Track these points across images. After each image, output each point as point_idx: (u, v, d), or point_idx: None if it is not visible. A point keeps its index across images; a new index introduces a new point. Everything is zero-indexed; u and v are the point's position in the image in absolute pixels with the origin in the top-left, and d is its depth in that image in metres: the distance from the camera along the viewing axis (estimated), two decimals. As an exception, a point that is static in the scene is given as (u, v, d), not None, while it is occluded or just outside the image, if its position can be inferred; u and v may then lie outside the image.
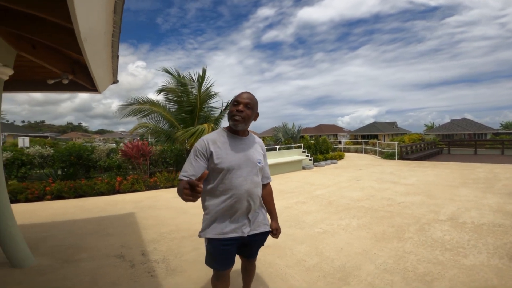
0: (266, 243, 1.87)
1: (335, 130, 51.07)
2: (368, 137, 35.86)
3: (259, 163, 1.67)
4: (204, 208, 1.64)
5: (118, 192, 6.92)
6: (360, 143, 21.99)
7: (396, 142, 14.18)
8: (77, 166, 7.65)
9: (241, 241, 1.65)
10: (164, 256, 3.07)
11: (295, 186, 7.30)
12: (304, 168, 10.88)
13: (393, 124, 52.30)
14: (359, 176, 8.65)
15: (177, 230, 3.93)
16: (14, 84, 3.77)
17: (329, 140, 16.72)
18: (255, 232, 1.68)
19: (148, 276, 2.62)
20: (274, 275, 2.60)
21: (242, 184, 1.57)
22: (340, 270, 2.67)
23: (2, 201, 2.70)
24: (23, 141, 18.63)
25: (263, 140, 8.86)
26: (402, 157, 13.13)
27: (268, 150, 10.91)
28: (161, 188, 7.49)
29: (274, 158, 10.22)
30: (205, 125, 7.41)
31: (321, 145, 14.05)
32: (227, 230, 1.58)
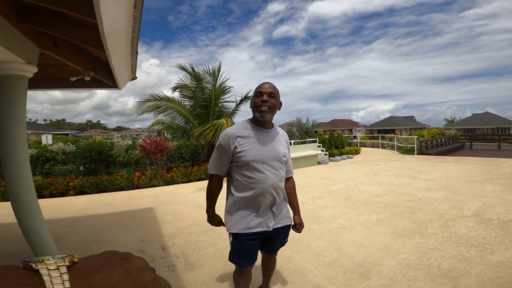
0: None
1: (350, 125, 50.18)
2: (384, 132, 35.03)
3: (284, 156, 1.65)
4: (228, 202, 1.64)
5: (137, 187, 7.09)
6: (376, 138, 21.48)
7: (415, 136, 13.75)
8: (97, 162, 7.88)
9: (265, 235, 1.64)
10: (183, 251, 3.11)
11: (310, 180, 7.24)
12: (319, 163, 10.76)
13: (411, 118, 50.80)
14: (377, 170, 8.46)
15: (194, 225, 3.99)
16: (38, 82, 3.89)
17: (344, 135, 16.43)
18: (279, 225, 1.67)
19: (169, 271, 2.67)
20: (292, 270, 2.59)
21: (268, 177, 1.55)
22: (361, 266, 2.63)
23: (29, 195, 2.76)
24: (47, 139, 19.40)
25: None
26: (421, 152, 12.73)
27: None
28: (178, 183, 7.60)
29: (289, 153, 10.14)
30: (223, 120, 7.43)
31: (336, 140, 13.85)
32: (253, 224, 1.58)
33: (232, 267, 1.78)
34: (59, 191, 6.36)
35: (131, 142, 9.25)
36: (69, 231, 3.89)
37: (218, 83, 8.51)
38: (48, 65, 3.48)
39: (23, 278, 0.29)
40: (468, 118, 39.08)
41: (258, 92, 1.57)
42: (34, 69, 2.73)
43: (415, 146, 12.85)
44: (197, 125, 8.54)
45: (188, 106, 9.14)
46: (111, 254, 0.34)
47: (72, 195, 6.42)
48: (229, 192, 1.66)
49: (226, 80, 8.76)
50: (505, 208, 4.20)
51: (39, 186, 6.22)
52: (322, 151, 11.64)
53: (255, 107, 1.58)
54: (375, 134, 23.49)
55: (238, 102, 9.46)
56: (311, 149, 11.15)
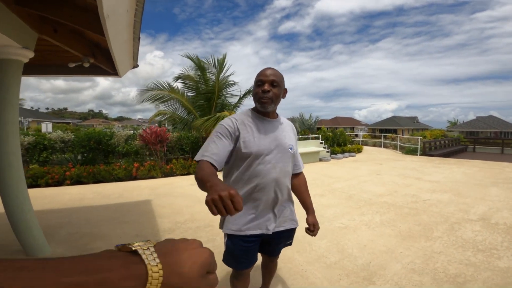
0: None
1: (352, 123, 49.95)
2: (386, 132, 34.80)
3: (291, 148, 1.49)
4: None
5: (135, 178, 7.00)
6: (379, 137, 21.37)
7: (419, 137, 13.61)
8: (96, 151, 7.77)
9: (264, 237, 1.49)
10: None
11: (312, 177, 7.13)
12: (321, 160, 10.66)
13: (414, 119, 50.55)
14: (380, 170, 8.35)
15: (192, 220, 3.89)
16: (37, 68, 3.79)
17: (346, 133, 16.28)
18: (281, 228, 1.51)
19: None
20: (293, 272, 2.50)
21: (270, 171, 1.39)
22: (364, 269, 2.55)
23: (19, 184, 2.64)
24: (46, 127, 19.35)
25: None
26: (424, 153, 12.61)
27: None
28: (177, 175, 7.52)
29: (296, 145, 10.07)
30: (226, 113, 7.32)
31: (339, 137, 13.72)
32: (250, 225, 1.41)
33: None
34: (55, 180, 6.22)
35: (132, 132, 9.14)
36: (61, 223, 3.77)
37: (222, 75, 8.38)
38: (47, 51, 3.39)
39: (125, 257, 0.36)
40: (471, 121, 38.81)
41: (259, 81, 1.40)
42: (31, 54, 2.64)
43: (419, 146, 12.73)
44: (199, 117, 8.44)
45: (191, 97, 9.02)
46: (173, 240, 0.42)
47: (68, 184, 6.29)
48: None
49: (230, 75, 8.65)
50: (512, 213, 4.10)
51: (34, 174, 6.10)
52: (324, 147, 11.53)
53: (256, 98, 1.42)
54: (377, 134, 23.32)
55: (241, 95, 9.34)
56: (313, 145, 11.04)
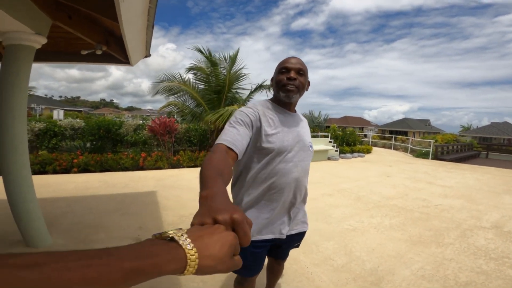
0: None
1: (362, 123, 49.26)
2: (396, 133, 34.30)
3: (311, 146, 1.38)
4: (236, 202, 1.32)
5: (142, 168, 7.00)
6: (388, 138, 21.01)
7: (431, 140, 13.31)
8: (105, 140, 7.81)
9: (275, 241, 1.37)
10: None
11: (320, 176, 7.02)
12: (329, 159, 10.52)
13: (426, 122, 49.56)
14: (390, 172, 8.19)
15: (197, 214, 3.85)
16: (49, 54, 3.79)
17: (356, 133, 16.06)
18: (293, 232, 1.40)
19: None
20: (299, 273, 2.44)
21: (292, 170, 1.26)
22: (372, 273, 2.47)
23: (23, 171, 2.54)
24: (58, 114, 19.65)
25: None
26: (436, 157, 12.33)
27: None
28: (184, 167, 7.49)
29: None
30: (235, 106, 7.26)
31: (349, 137, 13.53)
32: (263, 229, 1.29)
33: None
34: (62, 167, 6.22)
35: (141, 122, 9.17)
36: (65, 212, 3.71)
37: (234, 69, 8.31)
38: (60, 38, 3.39)
39: (165, 243, 0.41)
40: (485, 126, 37.90)
41: (284, 68, 1.25)
42: (43, 40, 2.62)
43: (431, 150, 12.45)
44: (208, 110, 8.40)
45: (201, 90, 9.00)
46: (199, 227, 0.47)
47: (75, 172, 6.29)
48: (238, 190, 1.34)
49: (242, 68, 8.57)
50: (527, 223, 3.96)
51: (43, 160, 6.11)
52: (333, 146, 11.37)
53: (279, 85, 1.26)
54: (387, 135, 22.95)
55: (252, 90, 9.25)
56: (322, 144, 10.89)
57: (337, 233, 3.34)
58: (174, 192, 4.98)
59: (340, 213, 4.11)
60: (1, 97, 2.37)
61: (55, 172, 6.16)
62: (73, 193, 4.68)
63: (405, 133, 37.99)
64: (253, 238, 1.26)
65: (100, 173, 6.44)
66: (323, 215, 3.95)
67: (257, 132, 1.21)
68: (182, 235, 0.42)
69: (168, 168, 7.30)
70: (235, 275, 1.57)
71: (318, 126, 14.69)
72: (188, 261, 0.40)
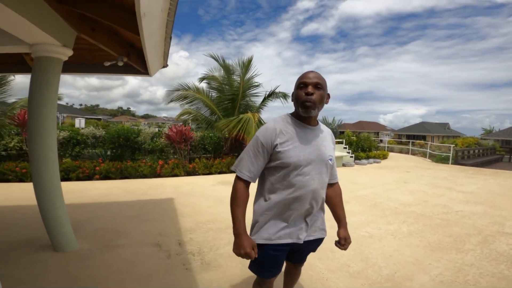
0: None
1: (377, 128, 48.32)
2: (414, 138, 33.36)
3: (330, 159, 1.42)
4: (256, 209, 1.42)
5: (159, 176, 7.18)
6: (405, 143, 20.52)
7: (451, 145, 12.91)
8: (124, 148, 8.06)
9: (293, 246, 1.45)
10: (200, 248, 3.00)
11: (335, 183, 6.94)
12: (344, 165, 10.40)
13: (445, 125, 47.95)
14: (407, 178, 8.00)
15: (213, 221, 3.89)
16: (72, 66, 3.97)
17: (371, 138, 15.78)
18: (311, 238, 1.46)
19: (183, 269, 2.54)
20: (314, 279, 2.43)
21: (309, 183, 1.33)
22: (389, 279, 2.43)
23: (53, 178, 2.64)
24: (80, 122, 20.43)
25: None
26: (456, 162, 11.93)
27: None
28: (199, 174, 7.63)
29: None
30: (249, 114, 7.33)
31: (364, 142, 13.32)
32: (281, 234, 1.37)
33: (250, 271, 1.61)
34: (85, 174, 6.50)
35: (157, 130, 9.40)
36: (90, 218, 3.86)
37: (248, 76, 8.44)
38: (83, 50, 3.53)
39: None
40: (508, 129, 36.19)
41: (302, 83, 1.31)
42: (70, 52, 2.74)
43: (451, 154, 12.06)
44: (222, 118, 8.52)
45: (215, 98, 9.16)
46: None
47: (97, 179, 6.55)
48: (259, 199, 1.43)
49: (255, 75, 8.68)
50: (555, 230, 3.77)
51: (67, 168, 6.39)
52: (348, 152, 11.24)
53: (298, 101, 1.32)
54: (404, 140, 22.39)
55: (265, 96, 9.33)
56: (337, 150, 10.79)
57: (353, 240, 3.26)
58: (191, 199, 5.07)
59: (356, 220, 4.06)
60: (33, 108, 2.50)
61: (78, 179, 6.43)
62: (96, 199, 4.85)
63: (423, 137, 36.94)
64: (273, 242, 1.37)
65: (120, 180, 6.66)
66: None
67: (274, 150, 1.33)
68: None
69: (184, 175, 7.45)
70: (255, 277, 1.61)
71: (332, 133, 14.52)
72: None
